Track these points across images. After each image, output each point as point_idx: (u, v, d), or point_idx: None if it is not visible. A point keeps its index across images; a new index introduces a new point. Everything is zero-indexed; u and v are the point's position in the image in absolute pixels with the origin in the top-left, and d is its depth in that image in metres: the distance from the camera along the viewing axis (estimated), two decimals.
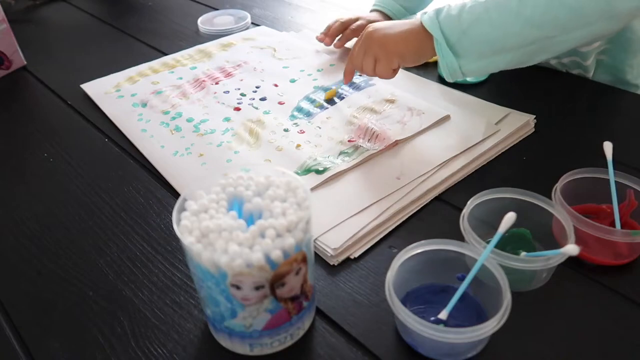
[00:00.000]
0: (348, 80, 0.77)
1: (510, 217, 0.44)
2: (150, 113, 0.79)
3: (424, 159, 0.65)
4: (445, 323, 0.44)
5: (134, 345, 0.47)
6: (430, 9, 0.67)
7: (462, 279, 0.45)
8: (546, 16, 0.58)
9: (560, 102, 0.77)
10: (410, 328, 0.41)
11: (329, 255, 0.53)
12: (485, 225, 0.51)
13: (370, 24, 0.71)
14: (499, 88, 0.79)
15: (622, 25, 0.61)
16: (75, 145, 0.74)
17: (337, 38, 0.92)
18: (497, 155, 0.67)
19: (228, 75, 0.87)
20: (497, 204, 0.52)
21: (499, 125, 0.70)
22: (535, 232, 0.52)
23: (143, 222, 0.60)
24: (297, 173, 0.64)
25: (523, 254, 0.48)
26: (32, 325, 0.49)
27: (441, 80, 0.81)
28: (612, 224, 0.52)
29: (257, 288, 0.40)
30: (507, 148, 0.68)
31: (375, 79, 0.82)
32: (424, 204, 0.60)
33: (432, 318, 0.45)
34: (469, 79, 0.80)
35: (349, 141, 0.69)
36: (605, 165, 0.53)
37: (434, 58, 0.66)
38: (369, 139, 0.68)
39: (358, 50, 0.72)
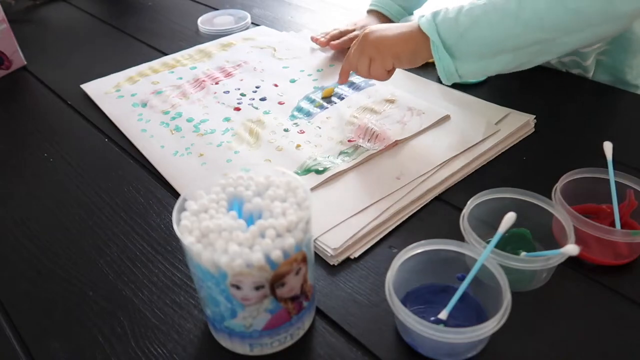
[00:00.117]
0: (343, 80, 0.77)
1: (510, 217, 0.44)
2: (150, 113, 0.79)
3: (423, 159, 0.65)
4: (445, 323, 0.44)
5: (134, 345, 0.47)
6: (427, 10, 0.66)
7: (462, 279, 0.45)
8: (546, 18, 0.58)
9: (560, 102, 0.77)
10: (410, 328, 0.41)
11: (329, 255, 0.53)
12: (485, 225, 0.51)
13: (368, 27, 0.71)
14: (499, 88, 0.79)
15: (623, 26, 0.61)
16: (75, 145, 0.74)
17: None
18: (497, 155, 0.67)
19: (228, 75, 0.87)
20: (497, 204, 0.52)
21: (499, 125, 0.70)
22: (535, 232, 0.52)
23: (143, 222, 0.60)
24: (297, 173, 0.64)
25: (523, 254, 0.48)
26: (32, 325, 0.49)
27: (441, 81, 0.80)
28: (612, 224, 0.52)
29: (257, 288, 0.40)
30: (507, 148, 0.68)
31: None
32: (424, 204, 0.60)
33: (432, 318, 0.45)
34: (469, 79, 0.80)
35: (349, 141, 0.69)
36: (605, 165, 0.53)
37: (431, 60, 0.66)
38: (368, 139, 0.68)
39: (354, 51, 0.71)
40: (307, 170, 0.64)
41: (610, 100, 0.79)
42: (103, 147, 0.73)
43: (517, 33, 0.59)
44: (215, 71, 0.89)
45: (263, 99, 0.80)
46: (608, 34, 0.61)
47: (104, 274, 0.54)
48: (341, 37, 0.91)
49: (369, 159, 0.66)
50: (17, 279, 0.54)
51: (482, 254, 0.44)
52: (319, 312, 0.49)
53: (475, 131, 0.69)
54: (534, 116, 0.71)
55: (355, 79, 0.82)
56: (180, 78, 0.87)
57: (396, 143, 0.68)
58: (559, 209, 0.51)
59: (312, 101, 0.79)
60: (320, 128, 0.72)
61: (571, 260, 0.47)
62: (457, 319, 0.45)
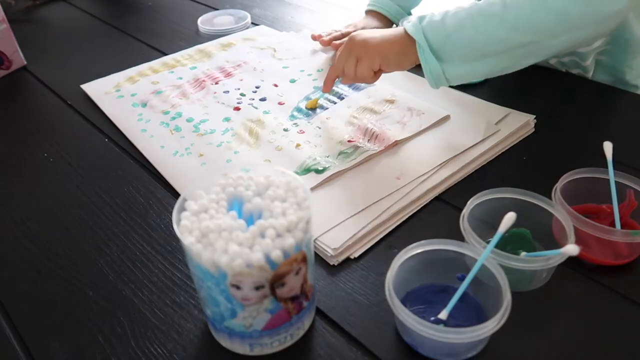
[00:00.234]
0: (327, 88, 0.74)
1: (510, 217, 0.44)
2: (150, 113, 0.79)
3: (423, 159, 0.65)
4: (445, 323, 0.44)
5: (134, 345, 0.47)
6: (426, 10, 0.66)
7: (462, 279, 0.45)
8: (531, 21, 0.58)
9: (560, 102, 0.77)
10: (410, 328, 0.41)
11: (329, 255, 0.53)
12: (485, 225, 0.51)
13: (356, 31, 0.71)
14: (499, 88, 0.79)
15: (608, 28, 0.61)
16: (75, 145, 0.74)
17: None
18: (497, 155, 0.67)
19: (228, 75, 0.87)
20: (497, 204, 0.52)
21: (499, 125, 0.70)
22: (535, 232, 0.52)
23: (143, 222, 0.60)
24: (297, 173, 0.64)
25: (523, 254, 0.48)
26: (32, 325, 0.49)
27: None
28: (612, 224, 0.52)
29: (257, 288, 0.40)
30: (507, 148, 0.68)
31: None
32: (424, 204, 0.60)
33: (432, 318, 0.45)
34: None
35: (348, 141, 0.69)
36: (605, 165, 0.53)
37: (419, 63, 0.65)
38: (368, 139, 0.68)
39: (340, 55, 0.70)
40: (307, 170, 0.64)
41: (610, 100, 0.79)
42: (103, 147, 0.73)
43: (502, 35, 0.59)
44: (215, 71, 0.89)
45: (263, 99, 0.80)
46: (594, 35, 0.61)
47: (104, 274, 0.54)
48: (342, 38, 0.91)
49: (369, 159, 0.66)
50: (17, 279, 0.54)
51: (482, 254, 0.44)
52: (319, 312, 0.49)
53: (475, 131, 0.69)
54: (534, 116, 0.71)
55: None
56: (180, 78, 0.87)
57: (396, 143, 0.68)
58: (559, 209, 0.51)
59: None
60: (320, 128, 0.72)
61: (571, 260, 0.47)
62: (457, 319, 0.45)
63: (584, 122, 0.73)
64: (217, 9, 1.15)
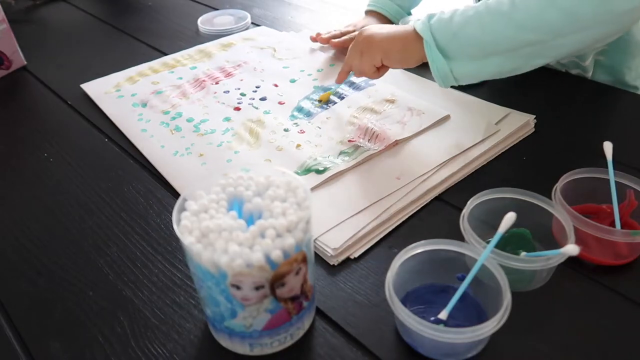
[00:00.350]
0: (340, 79, 0.77)
1: (510, 217, 0.44)
2: (150, 113, 0.79)
3: (424, 159, 0.65)
4: (445, 323, 0.44)
5: (134, 345, 0.47)
6: (424, 9, 0.67)
7: (462, 279, 0.45)
8: (539, 20, 0.57)
9: (560, 102, 0.77)
10: (410, 328, 0.41)
11: (329, 255, 0.53)
12: (485, 225, 0.51)
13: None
14: (499, 88, 0.79)
15: (621, 28, 0.59)
16: (75, 145, 0.74)
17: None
18: (497, 155, 0.67)
19: (228, 75, 0.87)
20: (497, 204, 0.52)
21: (499, 125, 0.70)
22: (535, 232, 0.52)
23: (143, 222, 0.60)
24: (297, 173, 0.64)
25: (523, 254, 0.48)
26: (32, 325, 0.49)
27: None
28: (612, 224, 0.52)
29: (257, 288, 0.40)
30: (507, 148, 0.68)
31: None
32: (424, 204, 0.60)
33: (432, 318, 0.45)
34: None
35: (349, 141, 0.69)
36: (605, 165, 0.53)
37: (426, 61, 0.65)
38: (369, 139, 0.68)
39: (350, 48, 0.73)
40: (307, 170, 0.64)
41: (610, 100, 0.79)
42: (103, 147, 0.73)
43: (510, 34, 0.59)
44: (215, 71, 0.89)
45: (263, 99, 0.80)
46: (605, 36, 0.60)
47: (104, 274, 0.54)
48: (341, 37, 0.91)
49: (369, 159, 0.66)
50: (17, 279, 0.54)
51: (482, 254, 0.44)
52: (319, 312, 0.49)
53: (475, 131, 0.69)
54: (534, 116, 0.71)
55: (355, 78, 0.82)
56: (180, 78, 0.87)
57: (396, 143, 0.68)
58: (559, 209, 0.51)
59: (312, 101, 0.79)
60: (320, 128, 0.72)
61: (571, 260, 0.47)
62: (457, 319, 0.45)
63: (584, 122, 0.73)
64: (217, 9, 1.15)
